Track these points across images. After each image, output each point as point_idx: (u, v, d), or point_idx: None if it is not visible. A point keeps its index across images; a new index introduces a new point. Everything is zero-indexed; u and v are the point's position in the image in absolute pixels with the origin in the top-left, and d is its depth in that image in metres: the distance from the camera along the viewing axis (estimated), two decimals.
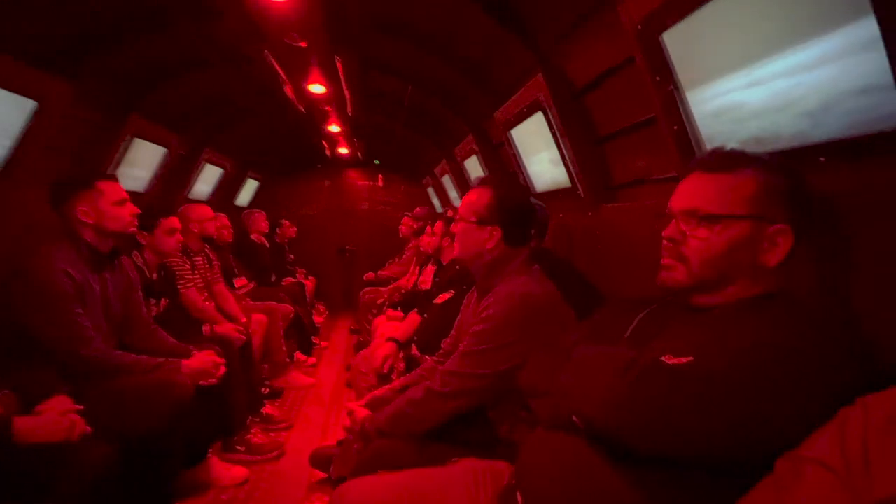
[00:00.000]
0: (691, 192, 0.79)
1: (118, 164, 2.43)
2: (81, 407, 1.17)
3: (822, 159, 0.84)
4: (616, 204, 1.59)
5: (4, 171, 1.73)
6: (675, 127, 1.09)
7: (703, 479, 0.64)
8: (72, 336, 1.43)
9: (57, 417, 1.10)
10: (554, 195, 1.93)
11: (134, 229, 1.71)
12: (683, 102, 1.05)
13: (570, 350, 0.84)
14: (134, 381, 1.46)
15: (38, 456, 1.00)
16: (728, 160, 0.77)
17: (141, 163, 2.68)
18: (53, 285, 1.43)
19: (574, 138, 1.59)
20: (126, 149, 2.43)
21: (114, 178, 1.67)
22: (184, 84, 2.54)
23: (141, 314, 1.77)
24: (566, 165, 1.68)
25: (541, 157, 1.90)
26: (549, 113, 1.60)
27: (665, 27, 0.96)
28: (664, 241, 0.81)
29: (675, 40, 0.98)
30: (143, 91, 2.36)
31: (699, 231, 0.76)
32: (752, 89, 0.91)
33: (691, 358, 0.66)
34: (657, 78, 1.04)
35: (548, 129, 1.68)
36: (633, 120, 1.37)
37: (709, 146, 1.05)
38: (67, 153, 2.15)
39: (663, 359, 0.69)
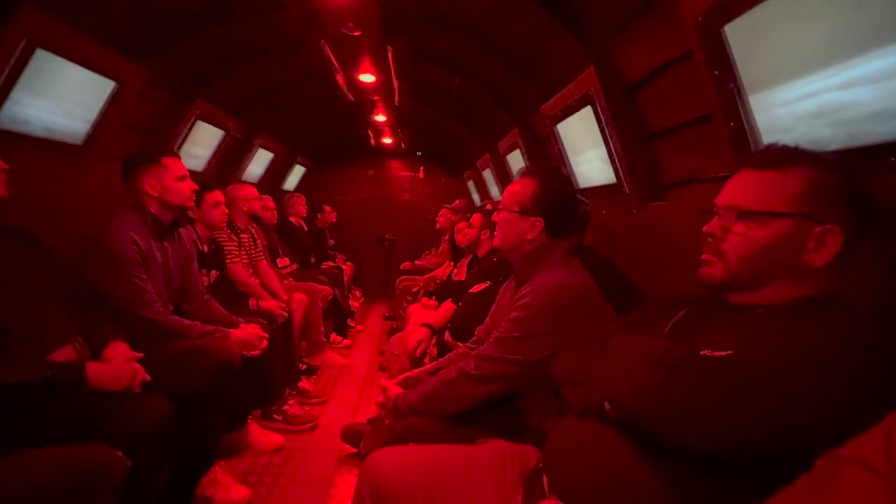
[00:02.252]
0: (736, 189, 0.78)
1: (182, 143, 2.59)
2: (141, 355, 1.28)
3: (893, 160, 0.80)
4: (663, 202, 1.55)
5: (85, 146, 1.89)
6: (732, 124, 1.06)
7: (734, 474, 0.63)
8: (135, 298, 1.56)
9: (123, 365, 1.21)
10: (598, 192, 1.90)
11: (192, 204, 1.82)
12: (743, 99, 1.02)
13: (606, 340, 0.84)
14: (187, 345, 1.57)
15: (106, 402, 1.10)
16: (779, 157, 0.75)
17: (201, 144, 2.85)
18: (122, 251, 1.56)
19: (623, 134, 1.55)
20: (190, 130, 2.59)
21: (177, 156, 1.79)
22: (245, 72, 2.68)
23: (196, 284, 1.90)
24: (613, 162, 1.65)
25: (587, 153, 1.88)
26: (599, 108, 1.58)
27: (728, 19, 0.93)
28: (706, 237, 0.80)
29: (738, 34, 0.94)
30: (209, 78, 2.51)
31: (738, 227, 0.75)
32: (820, 94, 0.87)
33: (730, 352, 0.65)
34: (716, 73, 1.01)
35: (596, 125, 1.65)
36: (687, 117, 1.33)
37: (763, 142, 1.01)
38: (138, 132, 2.32)
39: (702, 353, 0.69)
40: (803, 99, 0.89)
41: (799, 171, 0.72)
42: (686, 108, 1.32)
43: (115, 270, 1.55)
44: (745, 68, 0.96)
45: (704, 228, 0.80)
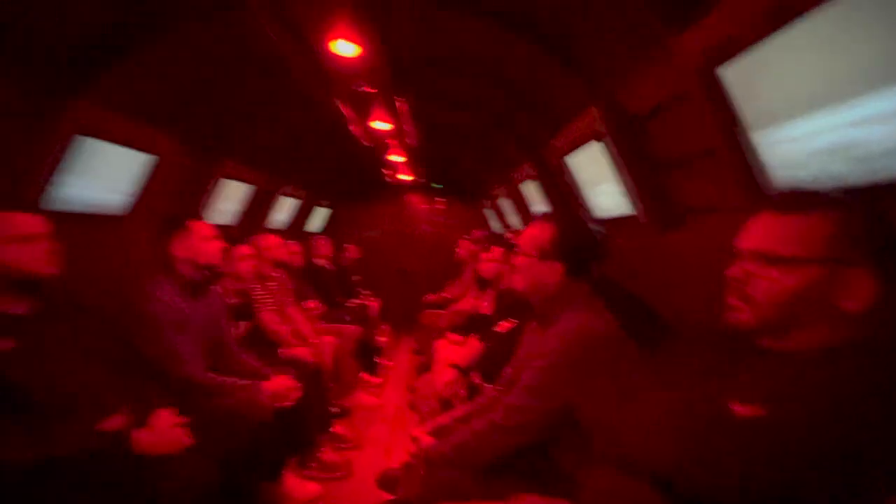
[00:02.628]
0: (761, 233, 0.77)
1: (209, 202, 2.73)
2: (186, 420, 1.33)
3: None
4: (680, 232, 1.54)
5: (130, 216, 2.03)
6: (736, 159, 1.06)
7: None
8: (170, 358, 1.62)
9: (167, 430, 1.26)
10: (614, 223, 1.90)
11: (220, 262, 1.91)
12: (744, 135, 1.02)
13: (635, 392, 0.83)
14: (222, 403, 1.62)
15: (151, 468, 1.15)
16: (802, 201, 0.74)
17: (230, 199, 3.01)
18: (156, 313, 1.63)
19: (633, 165, 1.57)
20: (216, 188, 2.73)
21: (202, 218, 1.88)
22: (263, 128, 2.83)
23: (229, 339, 1.96)
24: (626, 192, 1.65)
25: (600, 185, 1.89)
26: (606, 142, 1.60)
27: (723, 61, 0.95)
28: (730, 282, 0.80)
29: (737, 74, 0.96)
30: (230, 138, 2.66)
31: (768, 272, 0.74)
32: (829, 132, 0.87)
33: (762, 411, 0.64)
34: (715, 112, 1.02)
35: (606, 157, 1.67)
36: (695, 149, 1.34)
37: (773, 177, 1.00)
38: (171, 195, 2.47)
39: (733, 407, 0.68)
40: (813, 136, 0.89)
41: (824, 215, 0.71)
42: (693, 141, 1.32)
43: (152, 332, 1.62)
44: (747, 106, 0.97)
45: (728, 273, 0.79)
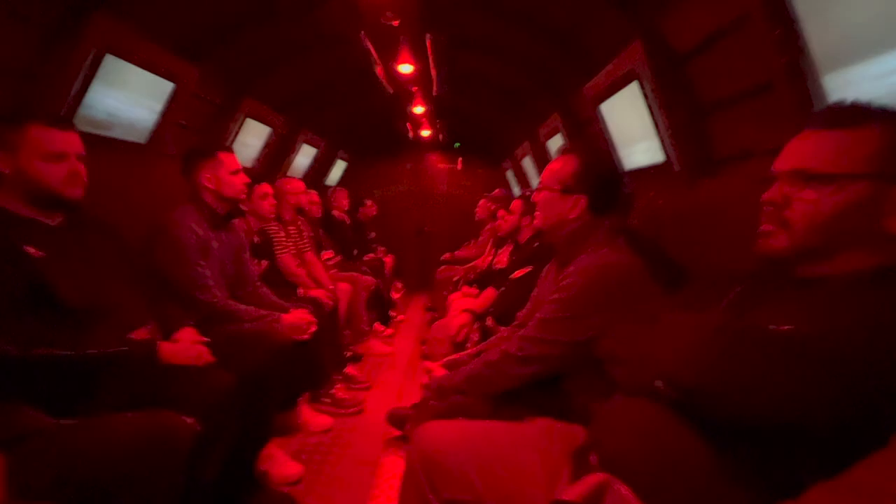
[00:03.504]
0: (800, 151, 0.71)
1: (234, 140, 2.73)
2: (207, 339, 1.38)
3: None
4: (717, 178, 1.47)
5: (149, 144, 2.03)
6: (796, 94, 0.98)
7: (790, 451, 0.60)
8: (195, 282, 1.66)
9: (189, 345, 1.31)
10: (645, 172, 1.83)
11: (245, 196, 1.92)
12: (809, 65, 0.94)
13: (657, 317, 0.81)
14: (243, 328, 1.66)
15: (176, 374, 1.20)
16: (848, 115, 0.68)
17: (250, 140, 2.99)
18: (183, 239, 1.67)
19: (672, 109, 1.49)
20: (240, 127, 2.72)
21: (231, 151, 1.88)
22: (289, 69, 2.78)
23: (249, 271, 2.00)
24: (661, 139, 1.58)
25: (633, 133, 1.81)
26: (646, 83, 1.52)
27: None
28: (764, 206, 0.75)
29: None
30: (255, 76, 2.62)
31: (806, 193, 0.69)
32: None
33: (793, 326, 0.61)
34: (777, 32, 0.94)
35: (643, 101, 1.59)
36: (742, 87, 1.26)
37: None
38: (193, 130, 2.47)
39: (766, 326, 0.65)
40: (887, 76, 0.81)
41: (873, 129, 0.66)
42: (741, 78, 1.24)
43: (177, 257, 1.66)
44: (814, 35, 0.89)
45: (763, 196, 0.74)
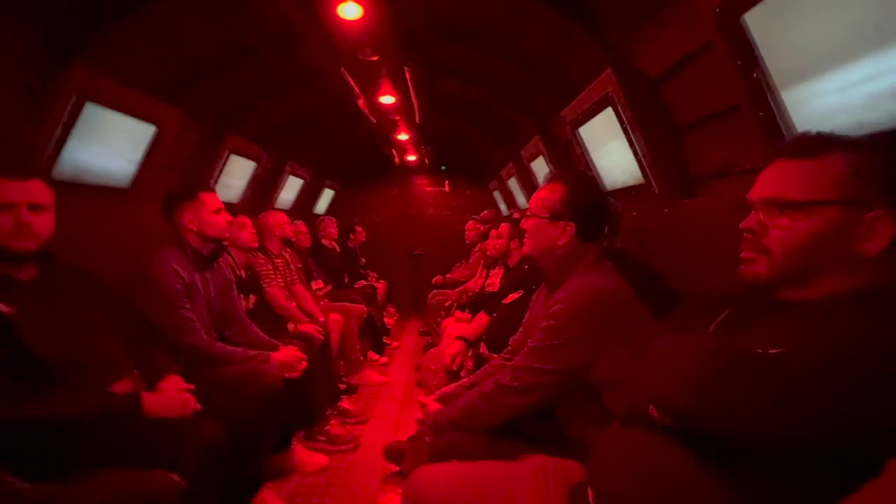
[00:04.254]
0: (772, 180, 0.74)
1: (218, 178, 2.73)
2: (193, 386, 1.34)
3: None
4: (694, 199, 1.50)
5: (132, 188, 2.03)
6: (762, 114, 1.02)
7: (788, 475, 0.60)
8: (180, 326, 1.63)
9: (175, 395, 1.27)
10: (626, 193, 1.86)
11: (228, 235, 1.91)
12: (771, 88, 0.98)
13: (648, 341, 0.81)
14: (232, 371, 1.63)
15: (160, 428, 1.16)
16: (814, 144, 0.71)
17: (236, 175, 2.99)
18: (166, 283, 1.64)
19: (647, 131, 1.52)
20: (224, 164, 2.72)
21: (212, 190, 1.88)
22: (270, 105, 2.81)
23: (237, 309, 1.97)
24: (639, 160, 1.61)
25: (611, 155, 1.85)
26: (620, 107, 1.55)
27: (747, 7, 0.90)
28: (744, 234, 0.77)
29: (760, 21, 0.91)
30: (237, 113, 2.64)
31: (781, 220, 0.71)
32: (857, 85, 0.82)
33: (783, 349, 0.62)
34: (739, 62, 0.98)
35: (618, 125, 1.62)
36: (714, 108, 1.29)
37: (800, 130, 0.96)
38: (177, 170, 2.47)
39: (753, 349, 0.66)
40: (847, 88, 0.84)
41: (839, 157, 0.69)
42: (713, 99, 1.28)
43: (161, 301, 1.63)
44: (772, 57, 0.93)
45: (742, 225, 0.77)
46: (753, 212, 0.76)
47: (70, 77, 1.50)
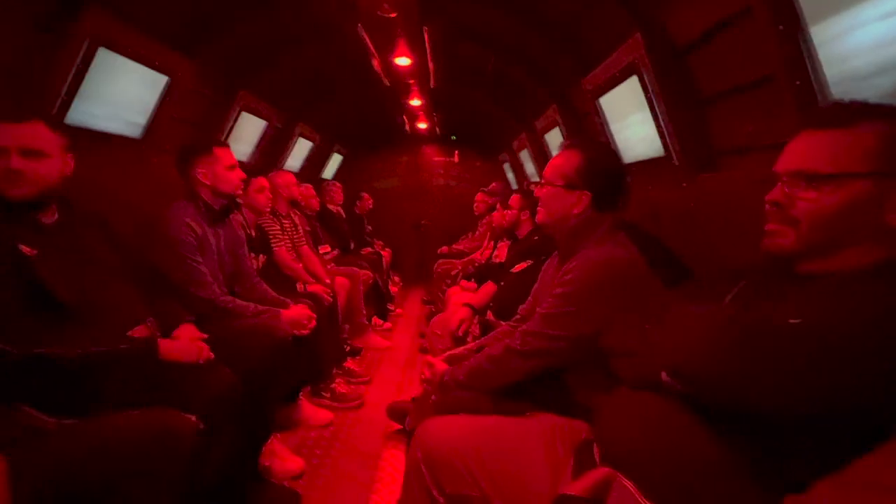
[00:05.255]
0: (800, 152, 0.73)
1: (229, 134, 2.70)
2: (206, 336, 1.37)
3: None
4: (716, 173, 1.47)
5: (144, 139, 2.01)
6: (798, 83, 0.98)
7: (796, 445, 0.61)
8: (192, 279, 1.65)
9: (189, 342, 1.30)
10: (644, 166, 1.83)
11: (241, 191, 1.90)
12: (811, 56, 0.94)
13: (661, 310, 0.82)
14: (243, 324, 1.66)
15: (177, 372, 1.19)
16: (845, 114, 0.70)
17: (246, 134, 2.96)
18: (179, 236, 1.65)
19: (672, 102, 1.48)
20: (235, 121, 2.69)
21: (227, 146, 1.86)
22: (284, 61, 2.74)
23: (247, 267, 1.99)
24: (660, 132, 1.58)
25: (632, 126, 1.81)
26: (646, 75, 1.51)
27: None
28: (768, 206, 0.76)
29: None
30: (250, 69, 2.58)
31: (808, 193, 0.70)
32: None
33: (800, 320, 0.62)
34: (780, 27, 0.94)
35: (642, 94, 1.58)
36: (743, 79, 1.25)
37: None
38: (189, 124, 2.44)
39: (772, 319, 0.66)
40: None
41: (869, 127, 0.67)
42: (742, 70, 1.24)
43: (174, 254, 1.64)
44: (816, 21, 0.89)
45: (767, 197, 0.75)
46: (779, 184, 0.74)
47: (86, 19, 1.46)
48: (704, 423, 0.68)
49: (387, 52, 2.45)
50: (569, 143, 1.25)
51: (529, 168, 4.00)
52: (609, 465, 0.79)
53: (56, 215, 1.21)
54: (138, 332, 1.26)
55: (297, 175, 3.26)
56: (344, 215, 4.46)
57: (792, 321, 0.62)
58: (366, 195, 5.05)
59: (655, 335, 0.78)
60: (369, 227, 5.06)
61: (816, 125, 0.72)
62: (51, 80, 1.53)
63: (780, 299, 0.73)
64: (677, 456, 0.70)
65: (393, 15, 1.92)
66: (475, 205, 4.31)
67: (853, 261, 0.69)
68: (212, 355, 1.32)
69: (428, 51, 2.47)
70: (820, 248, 0.71)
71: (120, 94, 1.81)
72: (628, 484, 0.71)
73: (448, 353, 1.50)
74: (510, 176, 5.02)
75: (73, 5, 1.46)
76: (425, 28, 2.18)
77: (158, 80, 1.94)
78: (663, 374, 0.73)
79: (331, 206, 4.27)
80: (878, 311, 0.60)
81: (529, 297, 1.46)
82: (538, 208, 1.27)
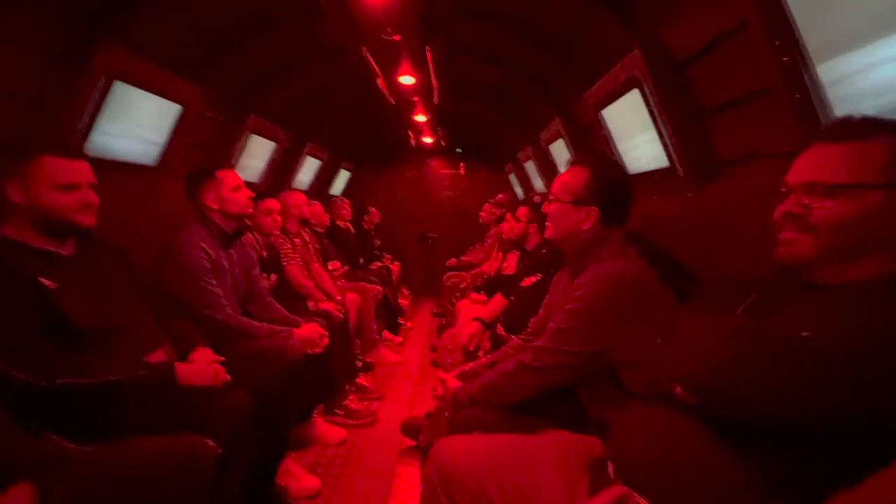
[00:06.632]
0: (813, 164, 0.74)
1: (239, 157, 2.76)
2: (222, 358, 1.39)
3: None
4: (721, 184, 1.48)
5: (159, 166, 2.07)
6: (797, 96, 0.99)
7: (811, 459, 0.61)
8: (207, 302, 1.68)
9: (205, 366, 1.32)
10: (649, 177, 1.84)
11: (251, 211, 1.94)
12: (808, 70, 0.95)
13: (674, 322, 0.82)
14: (257, 345, 1.68)
15: (194, 397, 1.21)
16: (857, 128, 0.71)
17: (256, 156, 3.03)
18: (193, 260, 1.69)
19: (674, 114, 1.50)
20: (245, 143, 2.75)
21: (231, 167, 1.90)
22: (290, 82, 2.81)
23: (260, 287, 2.02)
24: (664, 144, 1.59)
25: (635, 138, 1.82)
26: (647, 89, 1.53)
27: None
28: (779, 217, 0.76)
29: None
30: (258, 91, 2.65)
31: (826, 202, 0.71)
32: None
33: (812, 333, 0.62)
34: (776, 43, 0.95)
35: (644, 107, 1.60)
36: (743, 91, 1.26)
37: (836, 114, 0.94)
38: (200, 148, 2.50)
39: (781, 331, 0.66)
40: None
41: (881, 140, 0.69)
42: (741, 82, 1.25)
43: (188, 278, 1.68)
44: (811, 36, 0.90)
45: (781, 208, 0.76)
46: (793, 195, 0.75)
47: (102, 54, 1.52)
48: (718, 437, 0.68)
49: (391, 72, 2.51)
50: (576, 159, 1.27)
51: (536, 180, 4.02)
52: (623, 481, 0.79)
53: (74, 247, 1.25)
54: (156, 356, 1.29)
55: (306, 193, 3.31)
56: (353, 231, 4.50)
57: (804, 334, 0.63)
58: (373, 209, 5.09)
59: (667, 348, 0.78)
60: (378, 242, 5.10)
61: (829, 139, 0.73)
62: (69, 113, 1.59)
63: (792, 311, 0.74)
64: (692, 473, 0.70)
65: (396, 38, 1.97)
66: (482, 215, 4.33)
67: (865, 271, 0.70)
68: (228, 378, 1.34)
69: (431, 69, 2.51)
70: (837, 255, 0.72)
71: (135, 123, 1.87)
72: (643, 502, 0.71)
73: (460, 369, 1.51)
74: (517, 187, 5.05)
75: (88, 40, 1.52)
76: (427, 47, 2.22)
77: (171, 108, 2.00)
78: (677, 388, 0.73)
79: (339, 223, 4.31)
80: (890, 323, 0.60)
81: (540, 311, 1.47)
82: (547, 224, 1.28)
